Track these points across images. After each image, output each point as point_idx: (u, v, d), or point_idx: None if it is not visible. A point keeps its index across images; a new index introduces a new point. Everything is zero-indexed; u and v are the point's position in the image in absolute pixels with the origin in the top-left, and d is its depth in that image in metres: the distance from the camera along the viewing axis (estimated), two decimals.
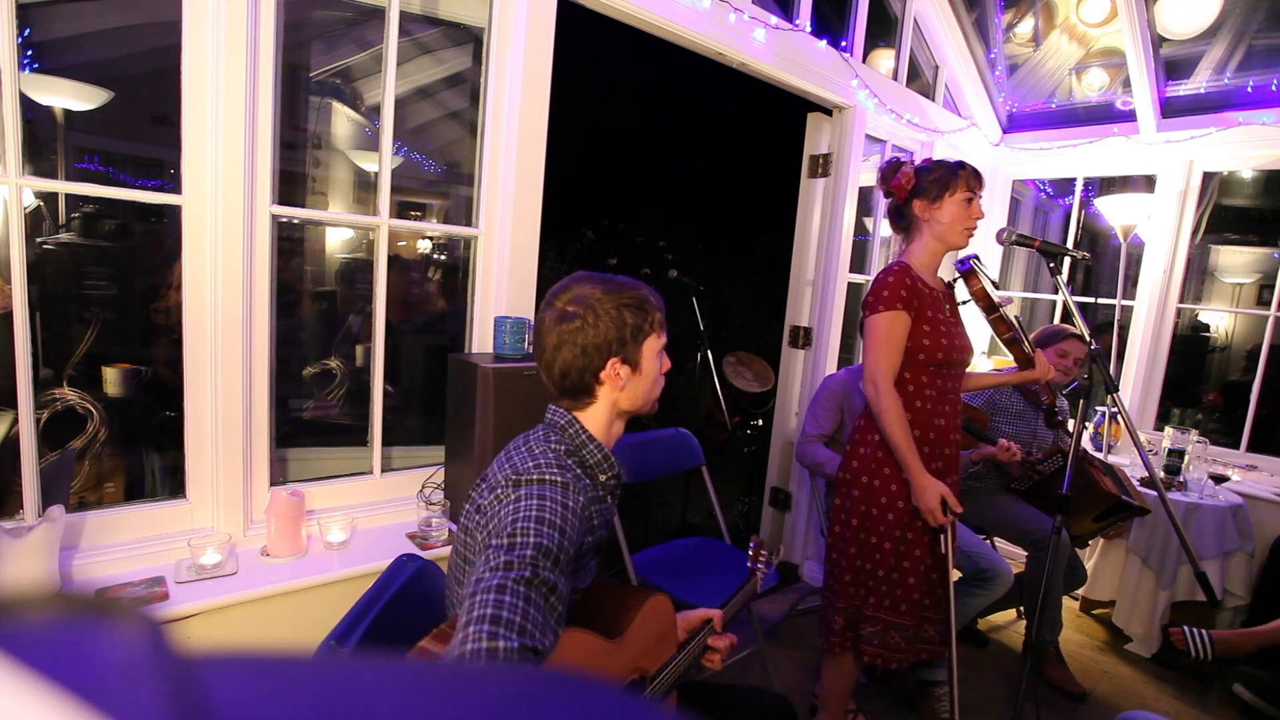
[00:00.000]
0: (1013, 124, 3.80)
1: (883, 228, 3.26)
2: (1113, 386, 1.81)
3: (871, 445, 1.79)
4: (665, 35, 2.30)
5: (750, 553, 1.55)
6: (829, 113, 3.04)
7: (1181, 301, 3.36)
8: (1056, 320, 3.79)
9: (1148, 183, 3.42)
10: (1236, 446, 3.21)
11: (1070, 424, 2.31)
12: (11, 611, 0.16)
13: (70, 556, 1.43)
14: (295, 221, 2.17)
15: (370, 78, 2.30)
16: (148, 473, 1.89)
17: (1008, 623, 2.90)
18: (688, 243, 7.58)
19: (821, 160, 3.10)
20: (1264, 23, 2.87)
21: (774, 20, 2.55)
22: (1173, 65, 3.17)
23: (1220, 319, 5.53)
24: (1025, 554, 2.48)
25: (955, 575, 1.89)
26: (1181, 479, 2.82)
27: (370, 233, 1.93)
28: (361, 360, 2.34)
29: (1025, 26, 3.45)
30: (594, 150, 6.93)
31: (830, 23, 2.89)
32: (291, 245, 2.41)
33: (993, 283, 1.90)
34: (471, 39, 2.12)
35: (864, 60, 3.02)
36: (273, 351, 1.71)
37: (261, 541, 1.64)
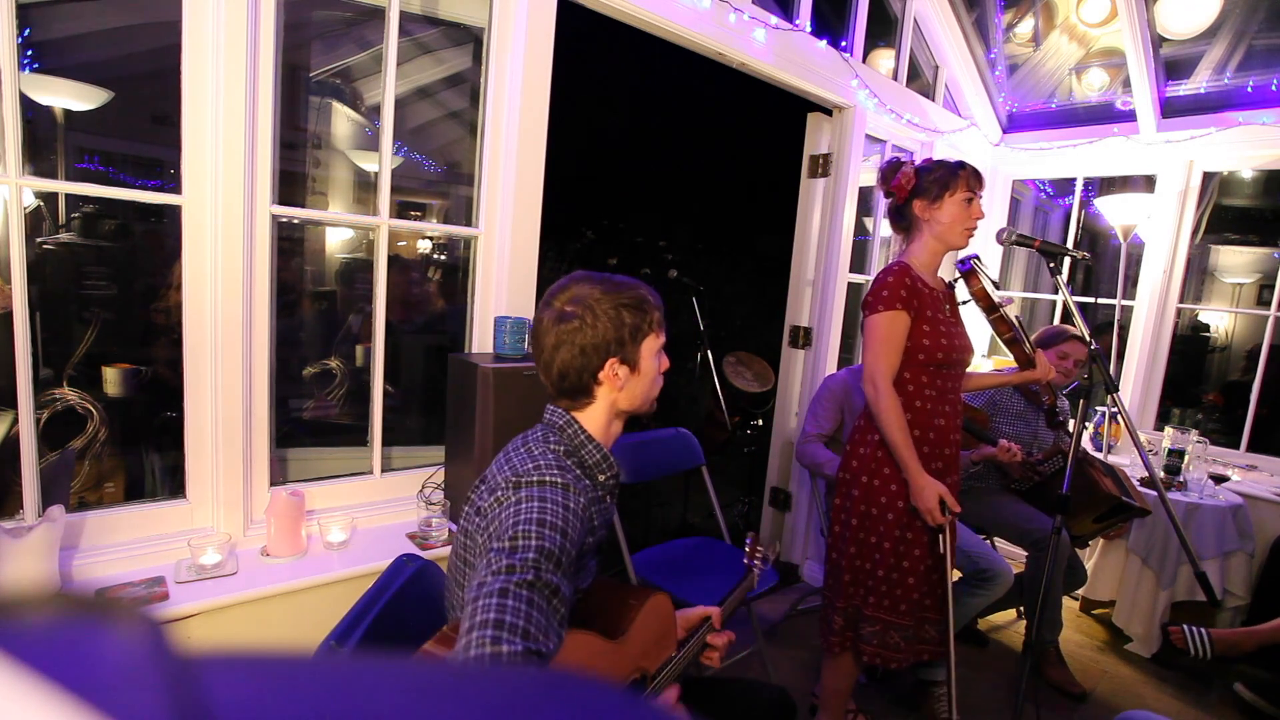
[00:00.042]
0: (1013, 124, 3.80)
1: (883, 228, 3.26)
2: (1113, 386, 1.80)
3: (871, 445, 1.79)
4: (665, 35, 2.30)
5: (747, 549, 1.55)
6: (829, 113, 3.04)
7: (1181, 301, 3.36)
8: (1056, 320, 3.79)
9: (1148, 183, 3.42)
10: (1236, 446, 3.21)
11: (1070, 424, 2.32)
12: (11, 611, 0.16)
13: (70, 556, 1.43)
14: (295, 221, 2.17)
15: (370, 78, 2.30)
16: (148, 473, 1.89)
17: (1008, 623, 2.90)
18: (688, 243, 7.58)
19: (821, 160, 3.10)
20: (1264, 23, 2.87)
21: (774, 20, 2.55)
22: (1173, 65, 3.17)
23: (1220, 319, 5.53)
24: (1025, 554, 2.48)
25: (955, 575, 1.90)
26: (1181, 479, 2.82)
27: (370, 233, 1.93)
28: (361, 360, 2.34)
29: (1025, 26, 3.45)
30: (594, 150, 6.93)
31: (830, 23, 2.89)
32: (291, 245, 2.41)
33: (993, 283, 1.90)
34: (471, 39, 2.12)
35: (864, 60, 3.02)
36: (273, 351, 1.71)
37: (261, 541, 1.64)
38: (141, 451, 1.89)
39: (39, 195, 1.79)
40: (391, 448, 2.02)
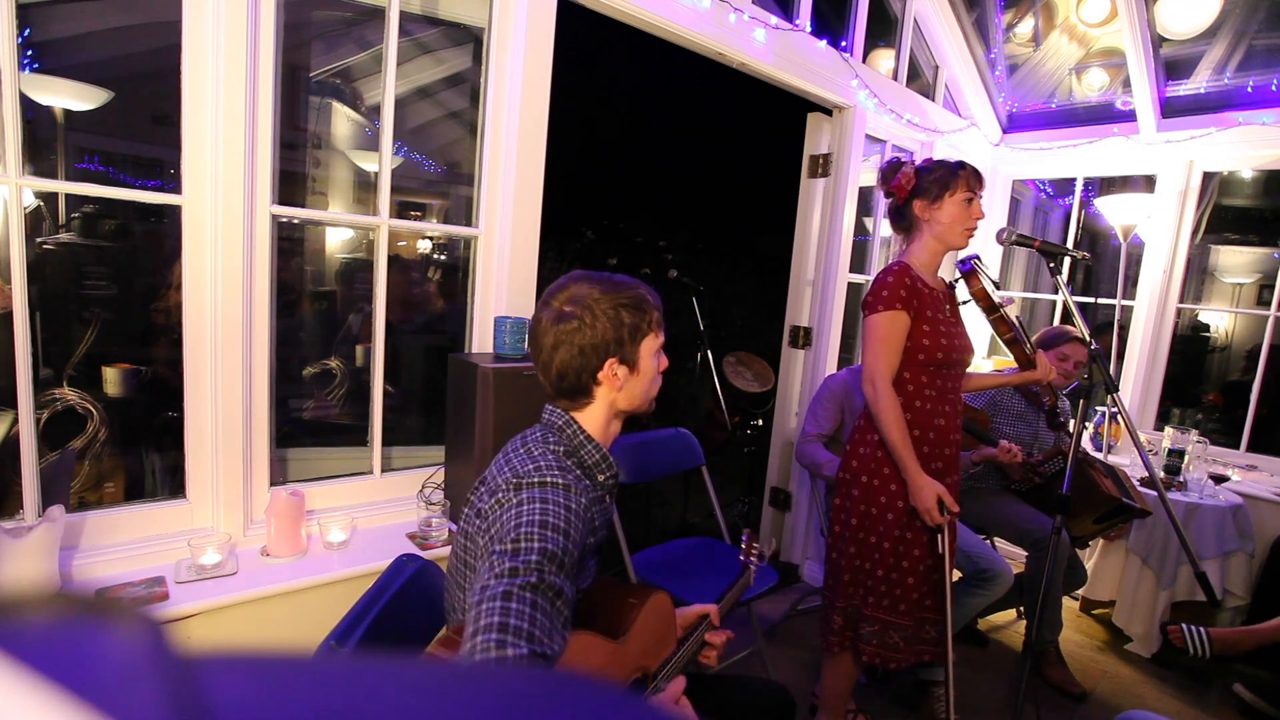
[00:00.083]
0: (1013, 124, 3.80)
1: (883, 228, 3.26)
2: (1113, 386, 1.80)
3: (871, 445, 1.79)
4: (665, 35, 2.30)
5: (743, 546, 1.55)
6: (829, 113, 3.04)
7: (1181, 301, 3.36)
8: (1056, 320, 3.79)
9: (1148, 183, 3.42)
10: (1236, 446, 3.21)
11: (1071, 425, 2.31)
12: (11, 611, 0.16)
13: (70, 556, 1.43)
14: (295, 221, 2.17)
15: (370, 78, 2.30)
16: (148, 473, 1.89)
17: (1008, 623, 2.90)
18: (688, 243, 7.57)
19: (821, 160, 3.10)
20: (1264, 23, 2.87)
21: (774, 20, 2.55)
22: (1173, 65, 3.17)
23: (1220, 319, 5.53)
24: (1025, 554, 2.48)
25: (955, 575, 1.89)
26: (1181, 479, 2.82)
27: (370, 233, 1.93)
28: (361, 360, 2.34)
29: (1025, 26, 3.45)
30: (594, 150, 6.94)
31: (830, 23, 2.89)
32: (291, 245, 2.41)
33: (993, 283, 1.90)
34: (471, 39, 2.12)
35: (864, 60, 3.02)
36: (273, 351, 1.71)
37: (261, 541, 1.64)
38: (141, 451, 1.89)
39: (39, 195, 1.79)
40: (391, 448, 2.02)
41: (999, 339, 1.96)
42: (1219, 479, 2.85)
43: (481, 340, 2.06)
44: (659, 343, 1.12)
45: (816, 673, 2.26)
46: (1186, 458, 2.87)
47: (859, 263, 3.28)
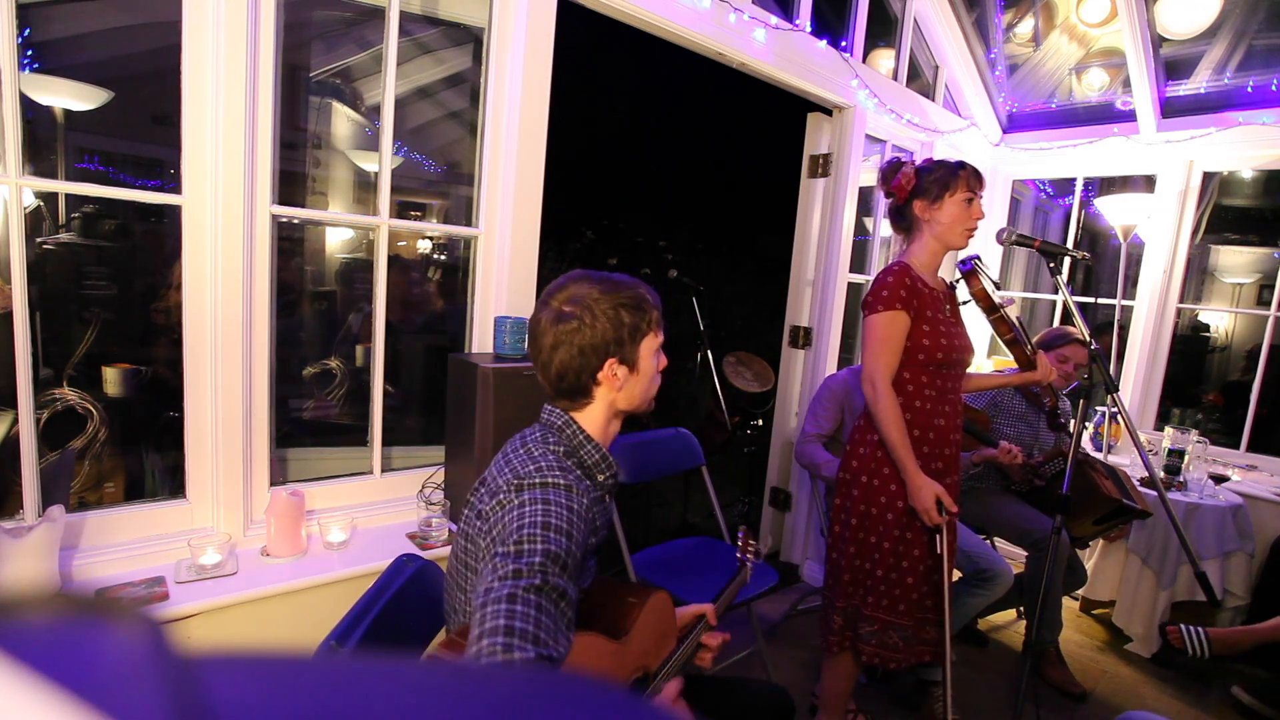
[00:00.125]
0: (1013, 124, 3.80)
1: (883, 228, 3.26)
2: (1113, 386, 1.80)
3: (871, 445, 1.79)
4: (665, 35, 2.30)
5: (739, 544, 1.54)
6: (829, 113, 3.04)
7: (1181, 301, 3.36)
8: (1056, 320, 3.79)
9: (1148, 183, 3.42)
10: (1236, 446, 3.21)
11: (1071, 425, 2.32)
12: (11, 611, 0.16)
13: (70, 556, 1.43)
14: (295, 221, 2.17)
15: (370, 78, 2.30)
16: (148, 473, 1.89)
17: (1008, 623, 2.90)
18: (688, 243, 7.57)
19: (821, 160, 3.10)
20: (1264, 23, 2.87)
21: (774, 20, 2.55)
22: (1173, 65, 3.17)
23: (1220, 319, 5.53)
24: (1025, 554, 2.48)
25: (955, 575, 1.89)
26: (1181, 479, 2.82)
27: (370, 233, 1.93)
28: (361, 360, 2.34)
29: (1025, 26, 3.45)
30: (594, 150, 6.93)
31: (830, 23, 2.89)
32: (291, 245, 2.41)
33: (994, 283, 1.89)
34: (471, 39, 2.12)
35: (864, 60, 3.02)
36: (273, 351, 1.71)
37: (261, 541, 1.64)
38: (141, 451, 1.89)
39: (39, 195, 1.79)
40: (391, 448, 2.02)
41: (999, 339, 1.96)
42: (1219, 479, 2.85)
43: (481, 340, 2.06)
44: (658, 342, 1.12)
45: (816, 673, 2.26)
46: (1186, 458, 2.87)
47: (859, 263, 3.28)
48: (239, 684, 0.18)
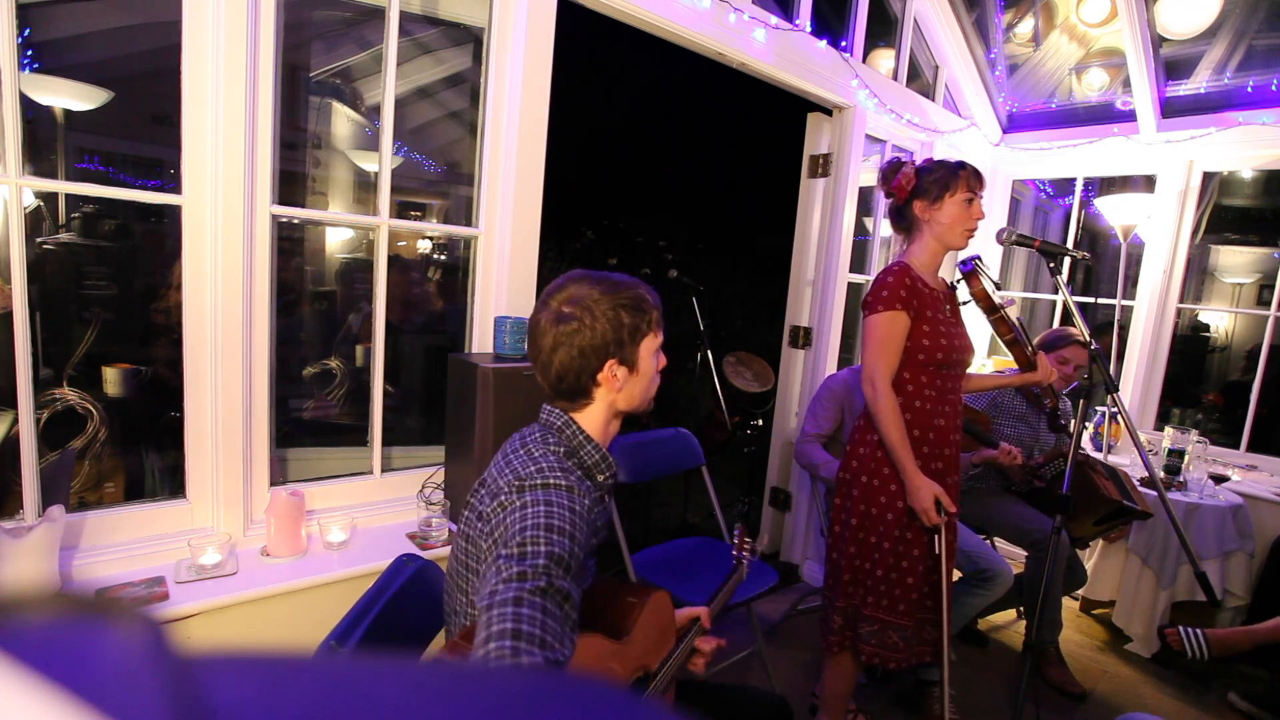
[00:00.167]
0: (1013, 124, 3.80)
1: (883, 228, 3.26)
2: (1113, 386, 1.80)
3: (871, 445, 1.79)
4: (665, 35, 2.30)
5: (735, 542, 1.53)
6: (829, 113, 3.04)
7: (1181, 301, 3.36)
8: (1056, 320, 3.79)
9: (1148, 183, 3.42)
10: (1236, 446, 3.21)
11: (1071, 426, 2.31)
12: (11, 611, 0.16)
13: (70, 556, 1.43)
14: (295, 221, 2.17)
15: (370, 78, 2.30)
16: (148, 473, 1.89)
17: (1008, 623, 2.90)
18: (688, 243, 7.58)
19: (821, 160, 3.10)
20: (1264, 23, 2.87)
21: (774, 20, 2.55)
22: (1173, 65, 3.17)
23: (1220, 319, 5.53)
24: (1025, 554, 2.48)
25: (955, 575, 1.89)
26: (1181, 479, 2.82)
27: (370, 233, 1.93)
28: (361, 360, 2.34)
29: (1025, 26, 3.45)
30: (594, 150, 6.94)
31: (830, 23, 2.89)
32: (291, 245, 2.41)
33: (994, 284, 1.89)
34: (471, 39, 2.12)
35: (864, 60, 3.02)
36: (273, 351, 1.71)
37: (261, 541, 1.64)
38: (141, 451, 1.89)
39: (39, 195, 1.79)
40: (391, 448, 2.02)
41: (999, 340, 1.96)
42: (1219, 479, 2.85)
43: (481, 340, 2.06)
44: (658, 342, 1.12)
45: (816, 673, 2.27)
46: (1186, 458, 2.87)
47: (859, 263, 3.28)
48: (239, 684, 0.18)
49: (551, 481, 0.98)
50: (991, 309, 1.89)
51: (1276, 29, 2.87)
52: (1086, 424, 3.41)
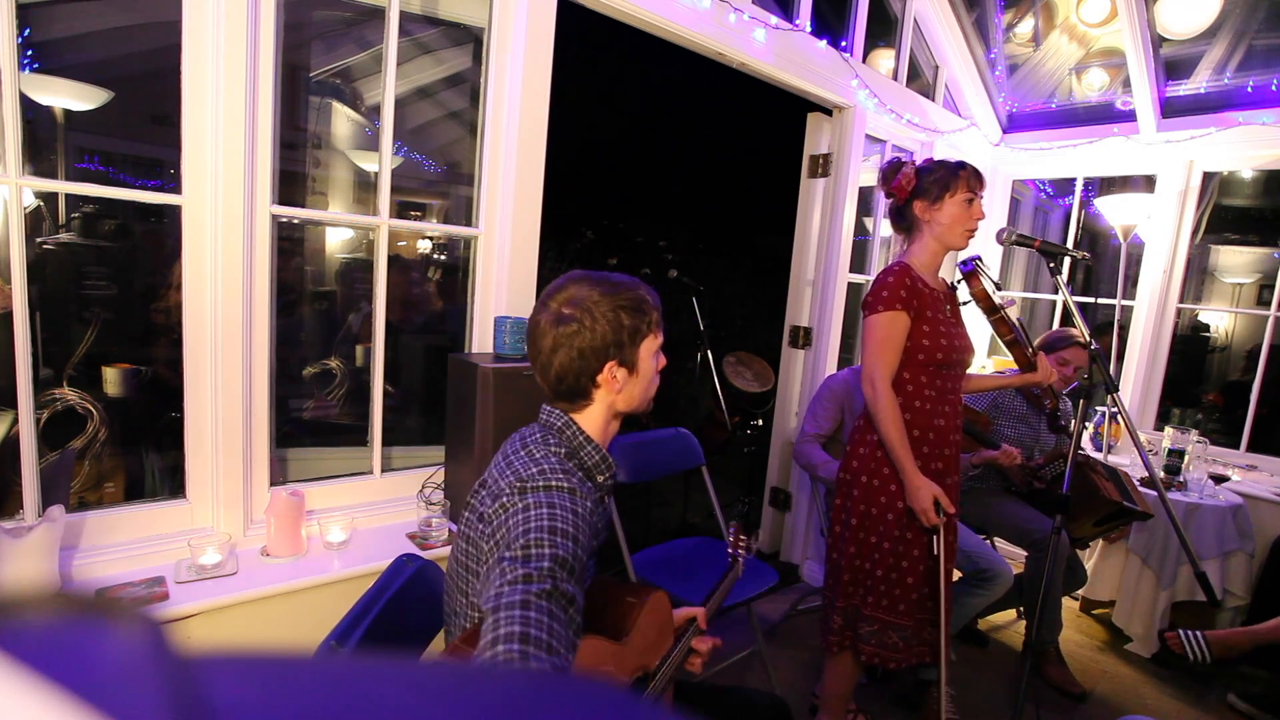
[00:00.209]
0: (1013, 124, 3.80)
1: (883, 228, 3.26)
2: (1113, 386, 1.80)
3: (871, 445, 1.79)
4: (665, 35, 2.30)
5: (730, 539, 1.52)
6: (829, 113, 3.04)
7: (1181, 301, 3.36)
8: (1056, 320, 3.79)
9: (1148, 183, 3.42)
10: (1236, 446, 3.21)
11: (1071, 426, 2.31)
12: (11, 611, 0.16)
13: (70, 556, 1.43)
14: (295, 221, 2.17)
15: (370, 78, 2.30)
16: (148, 473, 1.89)
17: (1008, 623, 2.90)
18: (688, 243, 7.58)
19: (821, 160, 3.10)
20: (1264, 23, 2.87)
21: (774, 20, 2.55)
22: (1173, 65, 3.17)
23: (1220, 319, 5.53)
24: (1025, 554, 2.48)
25: (955, 575, 1.89)
26: (1181, 479, 2.82)
27: (370, 233, 1.93)
28: (361, 360, 2.34)
29: (1025, 26, 3.45)
30: (594, 150, 6.93)
31: (830, 23, 2.89)
32: (291, 245, 2.41)
33: (994, 284, 1.89)
34: (471, 39, 2.12)
35: (864, 60, 3.02)
36: (273, 351, 1.71)
37: (261, 541, 1.64)
38: (141, 451, 1.89)
39: (39, 195, 1.79)
40: (391, 448, 2.02)
41: (999, 340, 1.96)
42: (1219, 479, 2.85)
43: (481, 340, 2.06)
44: (658, 343, 1.11)
45: (816, 673, 2.27)
46: (1186, 458, 2.87)
47: (859, 263, 3.28)
48: (239, 684, 0.18)
49: (554, 483, 0.97)
50: (992, 309, 1.89)
51: (1276, 29, 2.87)
52: (1086, 424, 3.41)
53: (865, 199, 3.32)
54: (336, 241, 2.73)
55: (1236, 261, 5.43)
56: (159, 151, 2.10)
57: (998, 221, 3.85)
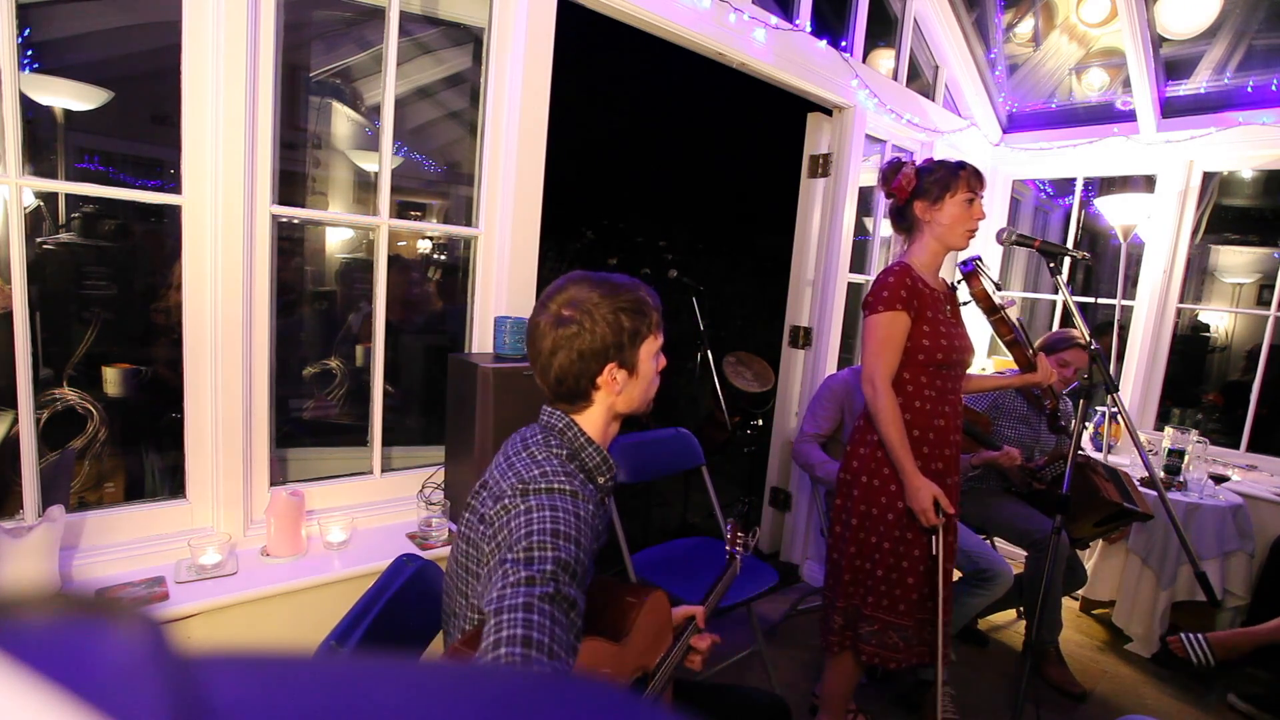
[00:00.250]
0: (1013, 124, 3.80)
1: (883, 228, 3.26)
2: (1113, 386, 1.80)
3: (871, 445, 1.79)
4: (665, 35, 2.30)
5: (728, 537, 1.51)
6: (829, 113, 3.04)
7: (1181, 301, 3.36)
8: (1056, 320, 3.79)
9: (1148, 183, 3.42)
10: (1236, 446, 3.21)
11: (1072, 426, 2.31)
12: (11, 611, 0.16)
13: (70, 556, 1.43)
14: (295, 221, 2.17)
15: (370, 78, 2.30)
16: (148, 473, 1.89)
17: (1008, 623, 2.90)
18: (688, 243, 7.57)
19: (821, 160, 3.10)
20: (1264, 23, 2.87)
21: (774, 20, 2.55)
22: (1173, 65, 3.17)
23: (1220, 319, 5.53)
24: (1025, 554, 2.48)
25: (955, 575, 1.89)
26: (1181, 479, 2.82)
27: (370, 233, 1.93)
28: (361, 360, 2.34)
29: (1025, 26, 3.45)
30: (594, 150, 6.93)
31: (830, 23, 2.89)
32: (291, 245, 2.41)
33: (995, 284, 1.89)
34: (471, 39, 2.12)
35: (864, 60, 3.02)
36: (273, 351, 1.71)
37: (261, 541, 1.64)
38: (141, 451, 1.89)
39: (39, 195, 1.79)
40: (391, 448, 2.02)
41: (1000, 341, 1.96)
42: (1219, 479, 2.85)
43: (481, 340, 2.06)
44: (658, 345, 1.11)
45: (816, 673, 2.27)
46: (1186, 458, 2.87)
47: (859, 263, 3.28)
48: (239, 684, 0.18)
49: (556, 486, 0.97)
50: (992, 309, 1.89)
51: (1276, 29, 2.87)
52: (1086, 424, 3.41)
53: (865, 199, 3.32)
54: (336, 241, 2.73)
55: (1236, 261, 5.43)
56: (159, 151, 2.10)
57: (998, 221, 3.85)
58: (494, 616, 0.80)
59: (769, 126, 4.96)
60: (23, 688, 0.14)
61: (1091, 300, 3.84)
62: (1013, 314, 1.92)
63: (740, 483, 3.82)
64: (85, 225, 1.89)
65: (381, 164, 1.81)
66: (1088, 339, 1.80)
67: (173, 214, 1.53)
